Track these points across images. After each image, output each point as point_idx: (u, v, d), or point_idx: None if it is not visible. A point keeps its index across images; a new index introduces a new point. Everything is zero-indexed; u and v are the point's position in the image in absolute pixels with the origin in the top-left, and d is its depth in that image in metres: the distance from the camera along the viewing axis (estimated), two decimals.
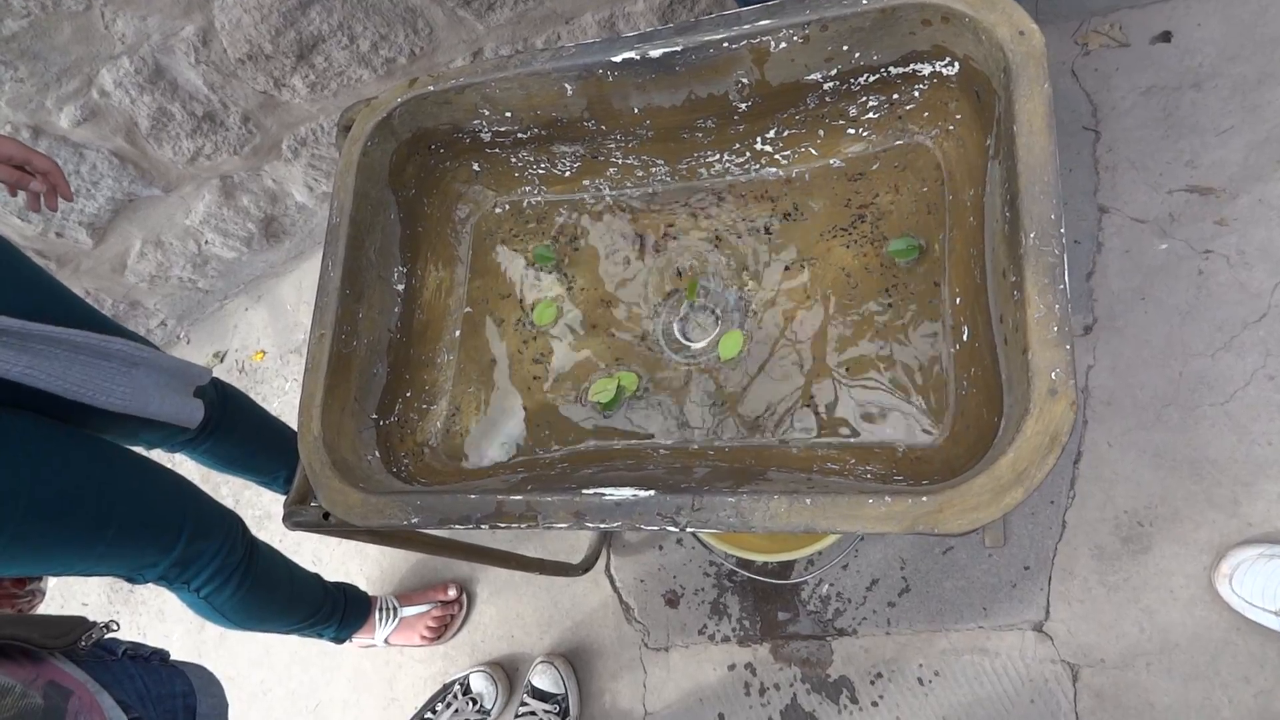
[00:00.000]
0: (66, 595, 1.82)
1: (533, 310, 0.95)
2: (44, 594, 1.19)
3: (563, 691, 1.29)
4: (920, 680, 1.16)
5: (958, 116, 0.79)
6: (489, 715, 1.33)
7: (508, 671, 1.38)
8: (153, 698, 0.70)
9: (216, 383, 1.15)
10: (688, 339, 0.89)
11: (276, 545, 1.15)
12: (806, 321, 0.85)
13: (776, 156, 0.90)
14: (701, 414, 0.85)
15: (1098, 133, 1.27)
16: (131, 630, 1.72)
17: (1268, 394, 1.09)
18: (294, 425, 1.09)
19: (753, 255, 0.90)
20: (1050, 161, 0.61)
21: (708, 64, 0.79)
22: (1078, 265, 1.22)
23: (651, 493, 0.65)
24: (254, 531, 1.08)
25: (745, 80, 0.81)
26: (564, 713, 1.28)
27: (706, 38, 0.77)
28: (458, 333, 0.98)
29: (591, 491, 0.67)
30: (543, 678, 1.30)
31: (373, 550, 1.56)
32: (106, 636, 0.68)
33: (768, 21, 0.75)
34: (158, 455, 1.07)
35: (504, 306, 0.98)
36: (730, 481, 0.73)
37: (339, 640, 1.33)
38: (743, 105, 0.84)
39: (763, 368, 0.85)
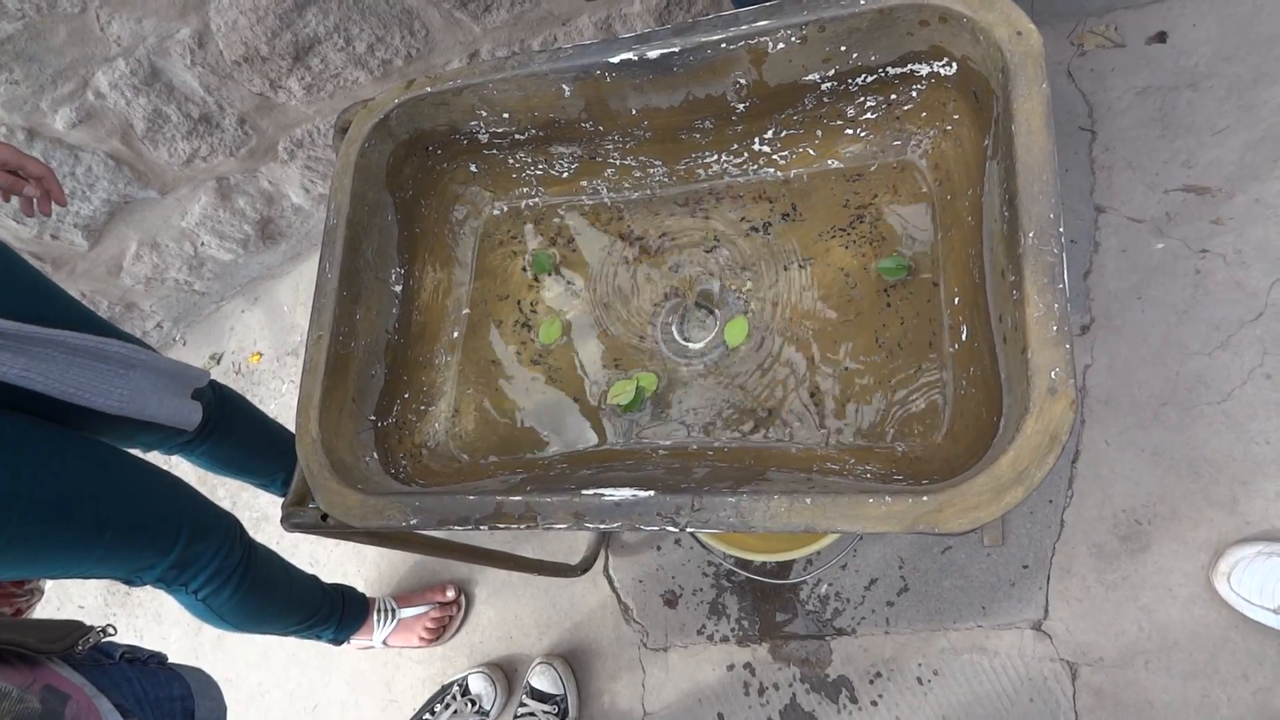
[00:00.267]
0: (63, 598, 1.82)
1: (539, 331, 0.94)
2: (42, 592, 1.18)
3: (561, 692, 1.29)
4: (919, 679, 1.16)
5: (955, 117, 0.79)
6: (488, 716, 1.33)
7: (506, 672, 1.38)
8: (150, 701, 0.70)
9: (214, 385, 1.15)
10: (687, 339, 0.89)
11: (274, 547, 1.15)
12: (805, 322, 0.85)
13: (774, 157, 0.90)
14: (701, 414, 0.85)
15: (1094, 133, 1.27)
16: (129, 633, 1.72)
17: (1265, 392, 1.09)
18: (291, 427, 1.09)
19: (751, 256, 0.90)
20: (1049, 161, 0.61)
21: (705, 65, 0.79)
22: (1074, 265, 1.22)
23: (651, 493, 0.65)
24: (251, 533, 1.08)
25: (743, 81, 0.81)
26: (563, 713, 1.28)
27: (704, 39, 0.77)
28: (456, 334, 0.98)
29: (591, 492, 0.67)
30: (541, 678, 1.30)
31: (370, 552, 1.56)
32: (103, 640, 0.68)
33: (765, 22, 0.75)
34: (155, 457, 1.07)
35: (502, 308, 0.98)
36: (730, 481, 0.72)
37: (337, 642, 1.33)
38: (740, 106, 0.84)
39: (762, 368, 0.85)
